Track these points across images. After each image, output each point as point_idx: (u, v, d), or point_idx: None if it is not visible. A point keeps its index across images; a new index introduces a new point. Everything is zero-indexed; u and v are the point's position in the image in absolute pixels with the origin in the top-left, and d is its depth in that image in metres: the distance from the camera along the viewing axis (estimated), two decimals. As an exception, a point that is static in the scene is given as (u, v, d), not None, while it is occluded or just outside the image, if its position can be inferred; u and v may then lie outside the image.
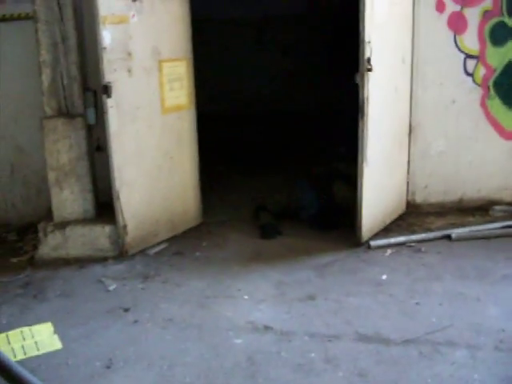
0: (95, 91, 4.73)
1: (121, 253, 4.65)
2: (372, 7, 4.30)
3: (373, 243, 4.65)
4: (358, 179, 4.54)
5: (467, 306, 3.78)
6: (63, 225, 4.73)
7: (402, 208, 5.22)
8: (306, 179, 5.44)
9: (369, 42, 4.32)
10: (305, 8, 9.34)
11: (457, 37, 5.01)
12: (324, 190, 5.17)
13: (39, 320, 3.83)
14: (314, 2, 9.40)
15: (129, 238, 4.63)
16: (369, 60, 4.33)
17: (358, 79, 4.41)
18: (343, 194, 5.03)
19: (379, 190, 4.77)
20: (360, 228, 4.64)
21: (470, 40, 5.02)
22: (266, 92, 8.98)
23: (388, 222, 5.01)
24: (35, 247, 4.84)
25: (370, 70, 4.35)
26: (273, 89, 9.04)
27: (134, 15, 4.40)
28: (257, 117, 8.45)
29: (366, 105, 4.39)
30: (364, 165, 4.49)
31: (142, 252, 4.72)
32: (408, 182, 5.23)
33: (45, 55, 4.58)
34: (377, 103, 4.51)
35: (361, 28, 4.30)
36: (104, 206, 4.88)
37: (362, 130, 4.45)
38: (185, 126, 4.92)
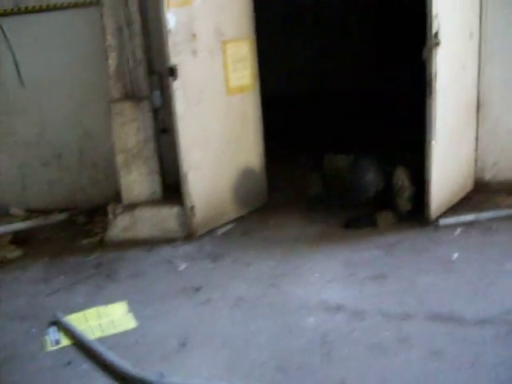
0: (160, 74, 4.78)
1: (189, 234, 4.71)
2: None
3: (442, 222, 4.56)
4: (426, 157, 4.45)
5: (544, 286, 3.68)
6: (132, 206, 4.83)
7: (469, 186, 5.11)
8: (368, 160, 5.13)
9: (436, 16, 4.21)
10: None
11: (527, 8, 4.83)
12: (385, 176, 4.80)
13: (113, 299, 3.93)
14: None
15: (196, 219, 4.68)
16: (436, 34, 4.22)
17: (425, 54, 4.30)
18: (402, 183, 4.68)
19: (447, 168, 4.67)
20: (428, 206, 4.55)
21: (542, 10, 4.83)
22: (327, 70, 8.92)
23: (456, 200, 4.90)
24: (104, 229, 4.96)
25: (437, 44, 4.23)
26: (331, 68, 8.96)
27: (197, -3, 4.41)
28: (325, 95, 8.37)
29: (434, 81, 4.28)
30: (432, 142, 4.41)
31: (210, 233, 4.77)
32: (476, 160, 5.11)
33: (110, 40, 4.66)
34: (444, 79, 4.38)
35: (428, 1, 4.19)
36: (170, 188, 4.96)
37: (430, 107, 4.34)
38: (249, 107, 4.93)
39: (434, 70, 4.28)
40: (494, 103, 4.98)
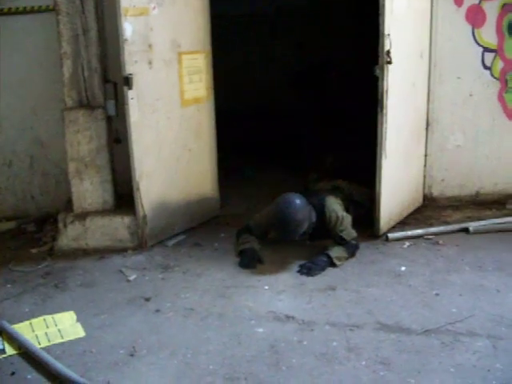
0: (115, 83, 4.77)
1: (140, 244, 4.68)
2: (392, 0, 4.31)
3: (390, 235, 4.67)
4: (377, 172, 4.55)
5: (487, 297, 3.79)
6: (83, 215, 4.77)
7: (418, 201, 5.25)
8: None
9: (388, 35, 4.33)
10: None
11: (475, 30, 5.02)
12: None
13: (61, 309, 3.86)
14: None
15: (148, 229, 4.66)
16: (388, 53, 4.34)
17: (377, 72, 4.42)
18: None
19: (396, 183, 4.79)
20: (378, 220, 4.66)
21: (488, 33, 5.03)
22: (278, 87, 9.00)
23: (405, 214, 5.04)
24: (54, 238, 4.88)
25: (389, 62, 4.36)
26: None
27: (154, 7, 4.43)
28: (272, 111, 8.45)
29: (385, 98, 4.40)
30: (383, 158, 4.51)
31: (161, 243, 4.76)
32: (425, 176, 5.25)
33: (66, 47, 4.62)
34: (395, 97, 4.51)
35: (381, 21, 4.31)
36: (122, 198, 4.93)
37: (381, 123, 4.46)
38: (203, 119, 4.95)
39: (385, 88, 4.40)
40: (442, 121, 5.16)
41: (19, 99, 5.21)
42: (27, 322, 3.71)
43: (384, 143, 4.50)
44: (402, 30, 4.51)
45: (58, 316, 3.78)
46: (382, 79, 4.39)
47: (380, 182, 4.56)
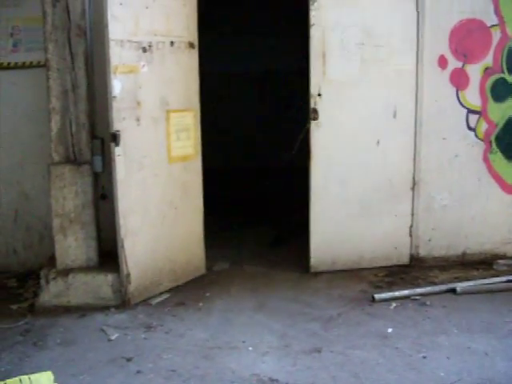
0: (103, 139, 4.78)
1: (123, 302, 4.59)
2: (323, 65, 4.88)
3: (377, 296, 4.62)
4: (309, 214, 5.06)
5: (475, 361, 3.73)
6: (66, 272, 4.70)
7: (399, 259, 5.30)
8: None
9: (319, 95, 4.87)
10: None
11: (459, 92, 5.11)
12: None
13: (39, 368, 3.73)
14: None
15: (132, 288, 4.59)
16: (314, 110, 4.90)
17: (307, 126, 4.92)
18: None
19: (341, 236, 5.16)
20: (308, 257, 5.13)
21: (472, 96, 5.13)
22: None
23: (366, 265, 5.22)
24: (36, 294, 4.79)
25: (315, 119, 4.92)
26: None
27: (144, 65, 4.48)
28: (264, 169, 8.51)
29: (312, 151, 4.97)
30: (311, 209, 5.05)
31: (145, 302, 4.67)
32: (411, 235, 5.24)
33: (55, 102, 4.64)
34: (335, 152, 5.02)
35: (309, 83, 4.89)
36: (107, 255, 4.86)
37: (310, 175, 5.01)
38: (190, 177, 4.95)
39: (312, 141, 4.92)
40: (428, 181, 5.20)
41: (6, 153, 5.22)
42: (1, 383, 3.59)
43: (313, 193, 5.02)
44: (345, 93, 4.99)
45: (34, 376, 3.63)
46: (310, 133, 4.94)
47: (310, 227, 5.08)
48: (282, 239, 6.07)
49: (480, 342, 3.98)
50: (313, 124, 4.91)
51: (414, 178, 5.16)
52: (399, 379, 3.54)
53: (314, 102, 4.89)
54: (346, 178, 5.06)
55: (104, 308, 4.59)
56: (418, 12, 5.01)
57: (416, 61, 5.06)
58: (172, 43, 4.68)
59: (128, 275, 4.54)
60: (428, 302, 4.58)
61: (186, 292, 4.87)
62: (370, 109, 5.05)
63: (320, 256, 5.11)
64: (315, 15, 4.79)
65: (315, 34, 4.83)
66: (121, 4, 4.31)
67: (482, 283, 4.85)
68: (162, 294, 4.79)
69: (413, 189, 5.17)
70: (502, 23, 5.08)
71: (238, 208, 7.19)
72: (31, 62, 5.04)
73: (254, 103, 9.44)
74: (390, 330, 4.15)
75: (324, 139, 4.96)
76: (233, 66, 9.14)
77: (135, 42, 4.44)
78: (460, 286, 4.76)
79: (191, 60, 4.84)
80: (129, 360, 3.83)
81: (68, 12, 4.59)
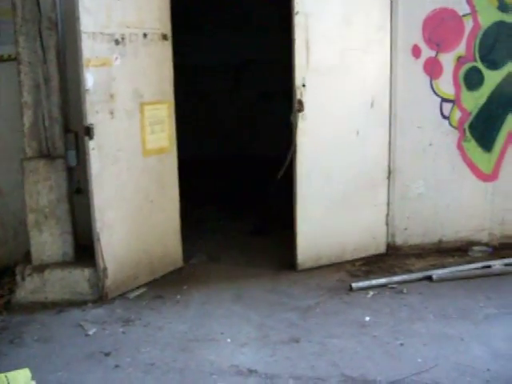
0: (76, 133, 4.73)
1: (100, 296, 4.57)
2: (307, 55, 4.75)
3: (354, 285, 4.65)
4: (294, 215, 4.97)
5: (451, 346, 3.78)
6: (42, 268, 4.65)
7: (377, 249, 5.32)
8: None
9: (303, 86, 4.75)
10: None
11: (433, 81, 5.14)
12: None
13: (16, 366, 3.68)
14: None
15: (109, 282, 4.56)
16: (300, 101, 4.76)
17: (291, 118, 4.79)
18: None
19: (328, 228, 5.09)
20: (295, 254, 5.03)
21: (446, 84, 5.16)
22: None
23: (349, 258, 5.20)
24: (11, 291, 4.73)
25: (300, 110, 4.77)
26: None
27: (117, 58, 4.43)
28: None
29: (298, 142, 4.82)
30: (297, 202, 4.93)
31: (122, 296, 4.64)
32: (388, 224, 5.28)
33: (27, 96, 4.58)
34: (320, 143, 4.91)
35: (293, 73, 4.75)
36: (83, 249, 4.82)
37: (296, 168, 4.88)
38: (166, 169, 4.92)
39: (298, 133, 4.81)
40: (403, 170, 5.22)
41: (-22, 149, 5.13)
42: (-21, 381, 3.55)
43: (298, 186, 4.90)
44: (329, 83, 4.91)
45: (11, 374, 3.59)
46: (296, 126, 4.76)
47: (296, 226, 4.97)
48: (262, 228, 6.05)
49: (456, 327, 4.03)
50: (298, 116, 4.79)
51: (389, 167, 5.19)
52: (377, 367, 3.57)
53: (300, 93, 4.77)
54: (330, 170, 4.99)
55: (81, 303, 4.55)
56: (391, 1, 5.02)
57: (390, 50, 5.07)
58: (145, 35, 4.63)
59: (105, 269, 4.51)
60: (405, 290, 4.62)
61: (164, 285, 4.85)
62: (350, 99, 5.01)
63: (306, 252, 5.02)
64: (299, 2, 4.65)
65: (299, 21, 4.68)
66: (92, -4, 4.26)
67: (457, 270, 4.91)
68: (139, 287, 4.77)
69: (388, 178, 5.20)
70: (473, 12, 5.11)
71: (214, 199, 7.18)
72: (2, 56, 4.95)
73: (231, 94, 9.42)
74: (367, 319, 4.18)
75: (309, 131, 4.84)
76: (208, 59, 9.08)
77: (107, 34, 4.38)
78: (436, 274, 4.81)
79: (165, 52, 4.80)
80: (107, 355, 3.81)
81: (38, 4, 4.52)
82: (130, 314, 4.35)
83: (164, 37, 4.78)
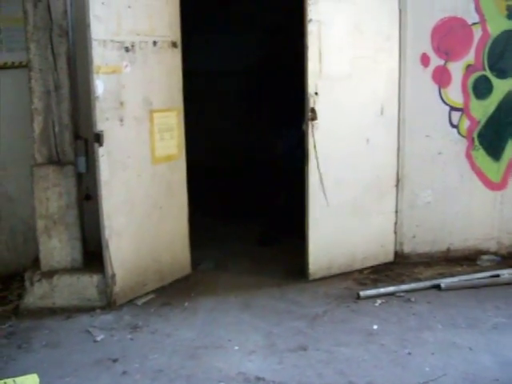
0: (86, 139, 4.76)
1: (109, 303, 4.58)
2: (320, 62, 4.73)
3: (362, 293, 4.64)
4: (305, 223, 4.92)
5: (460, 356, 3.77)
6: (50, 274, 4.67)
7: (386, 257, 5.31)
8: None
9: (316, 94, 4.71)
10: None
11: (441, 90, 5.14)
12: None
13: (24, 371, 3.71)
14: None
15: (117, 288, 4.57)
16: (313, 110, 4.71)
17: (304, 127, 4.79)
18: None
19: (338, 236, 5.06)
20: (307, 264, 4.98)
21: (455, 93, 5.16)
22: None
23: (358, 267, 5.18)
24: (20, 296, 4.75)
25: (313, 119, 4.73)
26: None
27: (126, 65, 4.46)
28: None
29: (312, 152, 4.79)
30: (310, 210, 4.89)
31: (131, 302, 4.65)
32: (396, 232, 5.27)
33: (37, 103, 4.61)
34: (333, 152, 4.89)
35: (305, 81, 4.71)
36: (92, 256, 4.84)
37: (308, 176, 4.83)
38: (175, 177, 4.93)
39: (312, 143, 4.76)
40: (412, 178, 5.22)
41: (-12, 155, 5.16)
42: (-13, 386, 3.57)
43: (311, 196, 4.87)
44: (341, 91, 4.89)
45: (19, 379, 3.62)
46: (308, 134, 4.75)
47: (307, 235, 4.93)
48: (271, 238, 6.05)
49: (464, 337, 4.01)
50: (311, 125, 4.75)
51: (397, 175, 5.19)
52: (385, 375, 3.57)
53: (313, 102, 4.72)
54: (340, 178, 4.95)
55: (89, 309, 4.57)
56: (400, 10, 5.03)
57: (399, 59, 5.09)
58: (155, 43, 4.66)
59: (113, 276, 4.53)
60: (413, 299, 4.61)
61: (172, 292, 4.86)
62: (361, 107, 4.99)
63: (317, 262, 4.98)
64: (312, 10, 4.63)
65: (312, 29, 4.66)
66: (103, 3, 4.28)
67: (465, 279, 4.90)
68: (147, 294, 4.78)
69: (397, 186, 5.20)
70: (482, 21, 5.12)
71: (224, 206, 7.18)
72: (13, 63, 4.99)
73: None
74: (375, 327, 4.18)
75: (321, 140, 4.79)
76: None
77: (118, 41, 4.41)
78: (444, 282, 4.80)
79: (174, 59, 4.82)
80: (115, 361, 3.82)
81: (49, 12, 4.55)
82: (138, 321, 4.36)
83: (174, 44, 4.81)
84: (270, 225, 6.14)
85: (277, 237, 6.01)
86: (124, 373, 3.68)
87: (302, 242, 4.98)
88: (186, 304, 4.64)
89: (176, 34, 4.82)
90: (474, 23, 5.12)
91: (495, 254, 5.37)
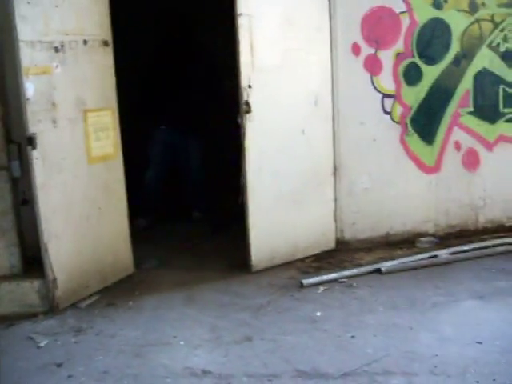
0: (19, 143, 4.65)
1: (51, 307, 4.50)
2: (252, 55, 4.77)
3: (305, 281, 4.71)
4: (245, 218, 4.97)
5: (400, 336, 3.87)
6: (-12, 282, 4.57)
7: (327, 245, 5.40)
8: None
9: (249, 86, 4.76)
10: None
11: (373, 78, 5.25)
12: None
13: (-35, 383, 3.66)
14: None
15: (59, 292, 4.50)
16: (247, 103, 4.77)
17: (239, 120, 4.83)
18: None
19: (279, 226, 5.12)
20: (249, 256, 5.02)
21: (386, 80, 5.28)
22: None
23: (300, 256, 5.25)
24: (-43, 307, 4.64)
25: (248, 112, 4.79)
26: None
27: (57, 66, 4.39)
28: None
29: (247, 144, 4.85)
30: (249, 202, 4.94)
31: (74, 305, 4.58)
32: (336, 220, 5.37)
33: (-35, 108, 4.50)
34: (267, 145, 4.94)
35: (238, 74, 4.77)
36: (32, 261, 4.74)
37: (245, 169, 4.90)
38: (112, 176, 4.88)
39: (246, 134, 4.82)
40: (348, 165, 5.32)
41: None
42: None
43: (249, 190, 4.92)
44: (273, 83, 4.95)
45: (-40, 391, 3.57)
46: (244, 127, 4.80)
47: (248, 228, 4.97)
48: (220, 225, 6.09)
49: (405, 317, 4.13)
50: (246, 117, 4.80)
51: (334, 164, 5.28)
52: (329, 360, 3.63)
53: (247, 95, 4.79)
54: (277, 170, 5.02)
55: (32, 315, 4.47)
56: (329, 1, 5.11)
57: (331, 49, 5.16)
58: (85, 42, 4.59)
59: (54, 280, 4.46)
60: (354, 284, 4.71)
61: (116, 292, 4.81)
62: (295, 98, 5.07)
63: (259, 253, 5.03)
64: (242, 4, 4.67)
65: (243, 23, 4.69)
66: (28, 3, 4.18)
67: (405, 261, 5.04)
68: (91, 296, 4.72)
69: (334, 174, 5.29)
70: (409, 10, 5.25)
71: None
72: None
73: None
74: (318, 314, 4.25)
75: (256, 132, 4.86)
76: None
77: (46, 42, 4.32)
78: (385, 266, 4.92)
79: (106, 58, 4.76)
80: (59, 365, 3.76)
81: (-28, 14, 4.44)
82: (82, 324, 4.31)
83: (105, 43, 4.75)
84: (218, 212, 6.17)
85: (227, 223, 6.03)
86: (69, 376, 3.63)
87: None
88: (131, 303, 4.61)
89: (107, 33, 4.76)
90: (402, 12, 5.24)
91: (433, 235, 5.54)
